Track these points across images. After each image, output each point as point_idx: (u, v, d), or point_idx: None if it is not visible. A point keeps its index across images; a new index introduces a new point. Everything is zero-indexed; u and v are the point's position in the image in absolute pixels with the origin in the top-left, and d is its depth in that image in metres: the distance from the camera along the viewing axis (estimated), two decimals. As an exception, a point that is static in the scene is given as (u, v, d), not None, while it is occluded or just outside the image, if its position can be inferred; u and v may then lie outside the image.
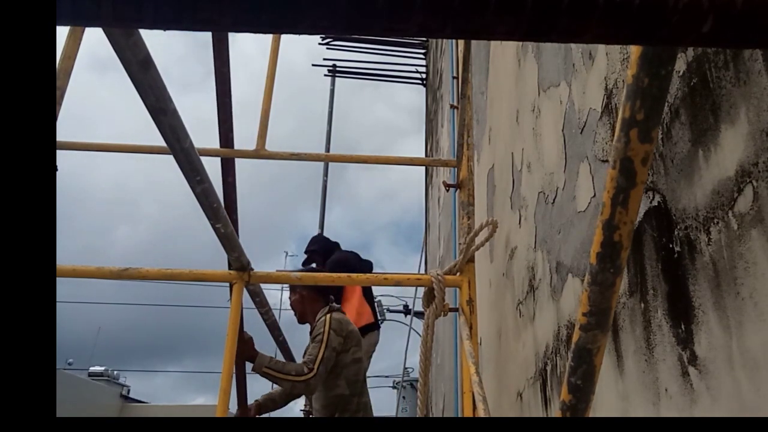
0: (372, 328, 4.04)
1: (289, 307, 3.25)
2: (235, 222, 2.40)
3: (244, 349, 2.43)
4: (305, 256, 4.29)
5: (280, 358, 3.47)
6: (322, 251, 4.23)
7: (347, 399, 2.65)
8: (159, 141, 1.07)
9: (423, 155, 8.86)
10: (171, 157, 1.12)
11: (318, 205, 9.08)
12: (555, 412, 0.75)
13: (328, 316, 2.70)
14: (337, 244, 4.42)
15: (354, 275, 2.02)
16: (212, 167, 1.31)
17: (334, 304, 2.83)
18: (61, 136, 2.27)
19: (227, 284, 1.95)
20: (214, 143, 2.02)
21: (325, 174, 9.38)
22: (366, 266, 4.24)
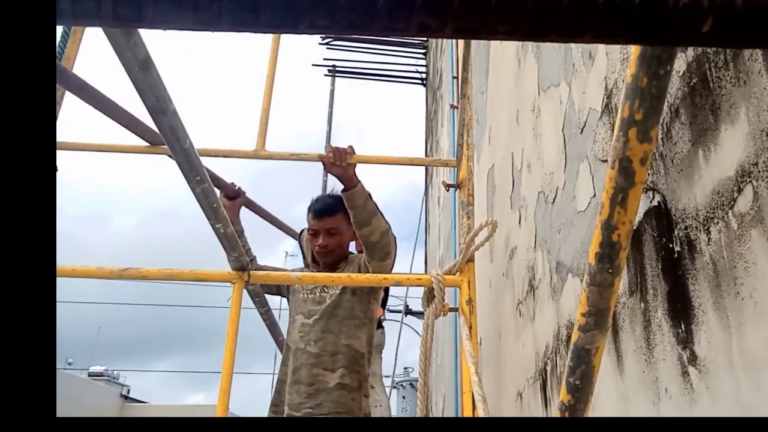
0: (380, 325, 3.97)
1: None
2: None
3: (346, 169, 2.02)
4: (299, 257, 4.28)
5: (279, 358, 3.41)
6: None
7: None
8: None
9: (423, 149, 8.89)
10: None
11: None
12: (555, 412, 0.76)
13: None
14: None
15: (354, 275, 2.02)
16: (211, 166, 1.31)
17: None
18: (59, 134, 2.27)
19: (226, 284, 1.95)
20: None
21: (325, 174, 9.38)
22: None
